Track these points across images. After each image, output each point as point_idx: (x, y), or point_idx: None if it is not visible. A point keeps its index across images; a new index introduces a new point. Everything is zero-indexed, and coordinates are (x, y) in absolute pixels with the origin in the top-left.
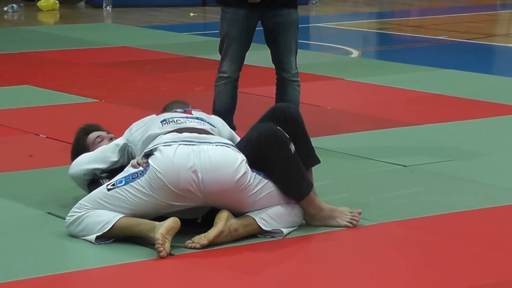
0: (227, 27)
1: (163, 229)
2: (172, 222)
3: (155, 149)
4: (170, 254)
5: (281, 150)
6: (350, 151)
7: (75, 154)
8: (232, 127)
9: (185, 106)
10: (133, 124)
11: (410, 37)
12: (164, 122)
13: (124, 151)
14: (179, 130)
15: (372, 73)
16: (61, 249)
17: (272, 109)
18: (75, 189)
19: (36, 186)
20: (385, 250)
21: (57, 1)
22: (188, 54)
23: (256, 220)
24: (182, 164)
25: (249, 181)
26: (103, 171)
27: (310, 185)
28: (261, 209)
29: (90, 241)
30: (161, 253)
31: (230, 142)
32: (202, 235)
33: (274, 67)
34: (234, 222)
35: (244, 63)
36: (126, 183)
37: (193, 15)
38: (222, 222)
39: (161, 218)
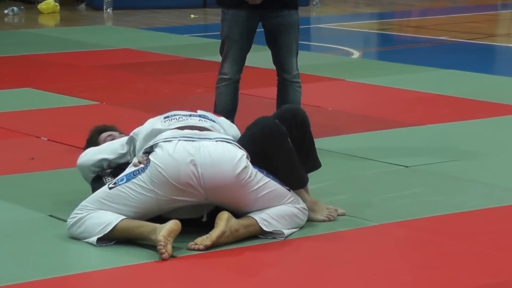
0: (228, 28)
1: (165, 231)
2: (173, 224)
3: (156, 145)
4: (172, 256)
5: (283, 142)
6: (352, 152)
7: (86, 147)
8: None
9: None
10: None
11: (411, 37)
12: (166, 119)
13: (131, 144)
14: (181, 128)
15: (373, 73)
16: (63, 252)
17: (282, 111)
18: (77, 191)
19: (38, 189)
20: (387, 250)
21: (57, 4)
22: (189, 56)
23: (257, 220)
24: (182, 159)
25: (250, 176)
26: (109, 165)
27: (307, 176)
28: (262, 209)
29: (91, 243)
30: (164, 255)
31: (231, 138)
32: (205, 236)
33: (275, 68)
34: (235, 223)
35: (245, 64)
36: (128, 180)
37: (194, 17)
38: (223, 222)
39: (163, 220)
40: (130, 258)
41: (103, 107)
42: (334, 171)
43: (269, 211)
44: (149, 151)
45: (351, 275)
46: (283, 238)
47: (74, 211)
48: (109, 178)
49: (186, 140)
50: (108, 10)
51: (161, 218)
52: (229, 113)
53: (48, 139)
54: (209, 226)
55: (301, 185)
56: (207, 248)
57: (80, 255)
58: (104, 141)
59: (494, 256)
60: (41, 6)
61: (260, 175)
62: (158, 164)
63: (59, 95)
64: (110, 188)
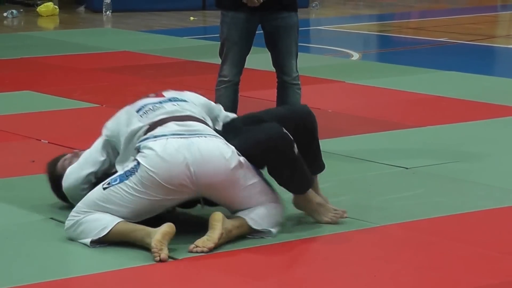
0: (227, 31)
1: (159, 235)
2: (167, 227)
3: (144, 146)
4: (172, 258)
5: (288, 153)
6: (352, 153)
7: (55, 187)
8: None
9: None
10: (107, 122)
11: (410, 39)
12: (140, 112)
13: (108, 147)
14: (163, 121)
15: (373, 75)
16: (64, 254)
17: (290, 111)
18: None
19: (38, 192)
20: (388, 252)
21: (56, 7)
22: (189, 58)
23: (247, 220)
24: (173, 160)
25: (241, 173)
26: (96, 176)
27: (311, 180)
28: (249, 208)
29: (85, 244)
30: (156, 259)
31: (216, 134)
32: (204, 238)
33: (274, 70)
34: (228, 224)
35: (245, 66)
36: (121, 181)
37: (193, 19)
38: (219, 223)
39: (157, 223)
40: (130, 260)
41: (103, 110)
42: (334, 173)
43: (256, 210)
44: (137, 150)
45: (351, 276)
46: (271, 237)
47: (71, 214)
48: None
49: (175, 138)
50: (108, 12)
51: (158, 218)
52: None
53: (48, 142)
54: (204, 219)
55: (300, 191)
56: (210, 250)
57: (81, 257)
58: (64, 167)
59: (495, 257)
60: (40, 8)
61: (252, 171)
62: (149, 167)
63: (59, 98)
64: (104, 189)
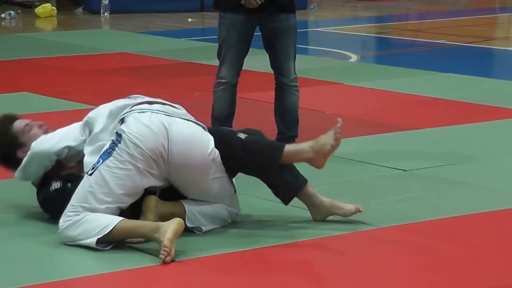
0: (225, 32)
1: (170, 233)
2: (177, 225)
3: (129, 116)
4: (172, 260)
5: (272, 168)
6: (350, 155)
7: (5, 145)
8: None
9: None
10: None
11: (409, 41)
12: (130, 97)
13: (87, 129)
14: (149, 102)
15: (371, 77)
16: (62, 256)
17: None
18: None
19: (35, 193)
20: (385, 254)
21: (54, 8)
22: (187, 60)
23: (186, 212)
24: (159, 130)
25: (213, 164)
26: (68, 153)
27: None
28: (197, 202)
29: (89, 245)
30: (167, 259)
31: (201, 123)
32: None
33: (272, 72)
34: (163, 209)
35: (243, 68)
36: (104, 160)
37: (191, 21)
38: (152, 212)
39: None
40: (130, 262)
41: None
42: (332, 175)
43: (201, 208)
44: (122, 120)
45: (349, 278)
46: (201, 233)
47: (67, 213)
48: (57, 184)
49: (160, 114)
50: (105, 14)
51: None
52: (227, 117)
53: None
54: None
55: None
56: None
57: (80, 259)
58: (23, 131)
59: (493, 260)
60: (38, 10)
61: (220, 166)
62: (134, 134)
63: (56, 99)
64: (90, 175)
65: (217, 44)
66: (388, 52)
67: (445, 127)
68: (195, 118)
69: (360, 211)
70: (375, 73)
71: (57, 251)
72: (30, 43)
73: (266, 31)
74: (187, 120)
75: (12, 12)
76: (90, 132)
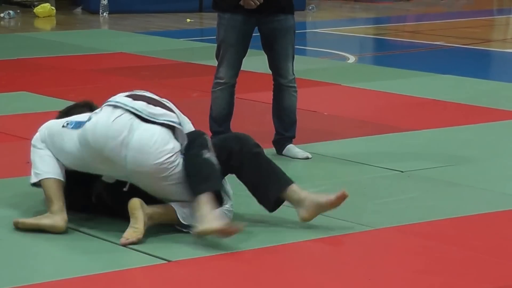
0: (224, 33)
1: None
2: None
3: (103, 107)
4: (166, 260)
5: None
6: (347, 156)
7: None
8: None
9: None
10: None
11: (407, 42)
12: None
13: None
14: (135, 97)
15: (369, 78)
16: (60, 255)
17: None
18: None
19: (33, 193)
20: (383, 255)
21: (53, 8)
22: (185, 60)
23: (176, 211)
24: (114, 135)
25: (170, 169)
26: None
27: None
28: (182, 201)
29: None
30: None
31: (178, 122)
32: (130, 230)
33: (271, 73)
34: (149, 209)
35: (241, 69)
36: (73, 128)
37: (190, 21)
38: (139, 212)
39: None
40: (126, 262)
41: None
42: (329, 176)
43: (187, 208)
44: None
45: (346, 280)
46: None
47: (38, 136)
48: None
49: (131, 114)
50: (104, 14)
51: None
52: (225, 118)
53: None
54: (134, 195)
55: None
56: (140, 240)
57: (79, 259)
58: None
59: (491, 262)
60: (37, 9)
61: (180, 173)
62: (89, 129)
63: (55, 99)
64: (62, 127)
65: (216, 44)
66: (386, 53)
67: (442, 128)
68: (180, 114)
69: (345, 196)
70: (373, 74)
71: (53, 251)
72: (28, 43)
73: (264, 32)
74: (159, 123)
75: (11, 12)
76: None
